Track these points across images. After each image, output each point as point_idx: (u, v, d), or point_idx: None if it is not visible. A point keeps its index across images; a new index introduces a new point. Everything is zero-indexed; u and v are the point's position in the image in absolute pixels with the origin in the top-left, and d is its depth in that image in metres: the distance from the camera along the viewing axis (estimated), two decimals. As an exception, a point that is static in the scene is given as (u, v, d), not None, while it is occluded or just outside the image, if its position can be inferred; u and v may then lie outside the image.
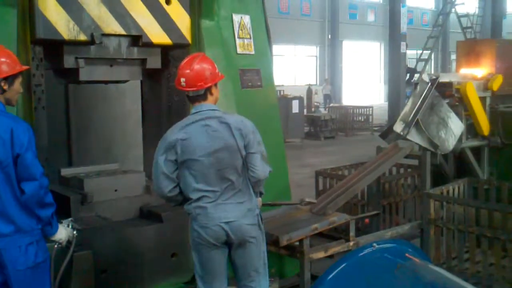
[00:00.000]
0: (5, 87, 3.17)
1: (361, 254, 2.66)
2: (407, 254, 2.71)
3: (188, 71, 3.46)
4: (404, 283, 2.52)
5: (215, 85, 3.55)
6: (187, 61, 3.54)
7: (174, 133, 3.46)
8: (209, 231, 3.43)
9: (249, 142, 3.48)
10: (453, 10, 24.29)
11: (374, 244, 2.67)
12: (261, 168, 3.53)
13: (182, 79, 3.46)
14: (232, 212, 3.44)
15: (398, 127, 5.85)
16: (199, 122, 3.45)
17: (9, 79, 3.18)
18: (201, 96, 3.48)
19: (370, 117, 19.13)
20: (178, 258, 4.36)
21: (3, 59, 3.15)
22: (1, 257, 3.10)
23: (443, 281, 2.65)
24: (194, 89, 3.45)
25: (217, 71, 3.57)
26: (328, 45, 31.02)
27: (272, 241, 4.23)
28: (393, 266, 2.61)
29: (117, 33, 4.36)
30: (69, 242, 3.50)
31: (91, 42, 4.22)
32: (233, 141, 3.45)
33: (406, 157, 6.17)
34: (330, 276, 2.52)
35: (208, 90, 3.50)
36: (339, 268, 2.55)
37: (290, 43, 28.33)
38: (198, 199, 3.45)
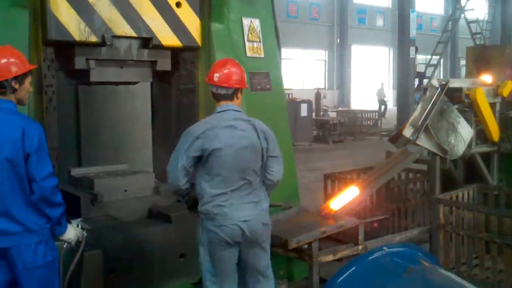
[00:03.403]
0: (16, 86, 3.19)
1: (371, 257, 2.65)
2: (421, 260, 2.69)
3: (224, 68, 3.63)
4: (414, 287, 2.51)
5: (241, 91, 3.72)
6: (224, 61, 3.77)
7: (199, 127, 3.55)
8: (226, 229, 3.49)
9: (272, 146, 3.63)
10: (462, 15, 24.23)
11: (384, 248, 2.66)
12: (279, 173, 3.69)
13: (216, 75, 3.60)
14: (249, 211, 3.54)
15: (408, 132, 5.83)
16: (226, 120, 3.56)
17: (19, 78, 3.20)
18: (229, 96, 3.62)
19: (379, 121, 19.08)
20: (186, 259, 4.37)
21: (12, 59, 3.18)
22: (11, 256, 3.12)
23: (454, 286, 2.64)
24: (226, 85, 3.59)
25: (245, 79, 3.78)
26: (337, 49, 31.00)
27: (281, 244, 4.23)
28: (403, 270, 2.59)
29: (128, 35, 4.40)
30: (78, 241, 3.51)
31: (102, 43, 4.25)
32: (258, 142, 3.57)
33: (415, 162, 6.15)
34: (340, 279, 2.51)
35: (236, 92, 3.65)
36: (348, 272, 2.54)
37: (298, 47, 28.33)
38: (216, 198, 3.50)
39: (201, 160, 3.52)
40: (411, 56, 17.80)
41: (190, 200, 3.72)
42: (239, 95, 3.67)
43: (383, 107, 25.85)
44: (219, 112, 3.61)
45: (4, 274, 3.17)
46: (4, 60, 3.15)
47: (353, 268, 2.56)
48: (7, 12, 3.83)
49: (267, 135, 3.62)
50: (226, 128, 3.52)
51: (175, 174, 3.52)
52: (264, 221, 3.63)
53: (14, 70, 3.17)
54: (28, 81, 3.29)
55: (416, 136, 5.80)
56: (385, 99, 26.87)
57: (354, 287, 2.52)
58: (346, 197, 4.41)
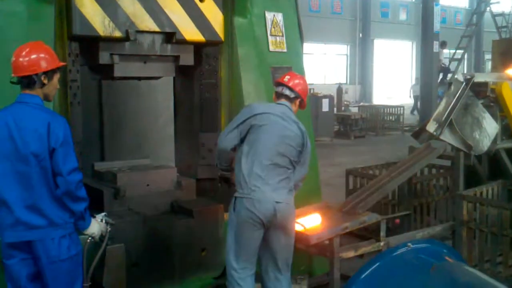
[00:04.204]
0: (45, 81, 3.24)
1: (395, 253, 2.62)
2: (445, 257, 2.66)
3: (296, 77, 4.16)
4: (439, 284, 2.48)
5: (300, 102, 4.15)
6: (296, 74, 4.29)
7: (260, 106, 3.95)
8: (262, 208, 3.69)
9: (307, 144, 3.98)
10: (487, 9, 23.79)
11: (409, 244, 2.64)
12: (307, 168, 4.08)
13: (287, 77, 4.12)
14: (282, 195, 3.78)
15: (431, 127, 5.77)
16: (280, 111, 3.94)
17: (49, 74, 3.25)
18: (290, 99, 4.07)
19: (401, 116, 18.88)
20: (208, 253, 4.39)
21: (42, 55, 3.22)
22: (35, 249, 3.17)
23: (479, 283, 2.60)
24: (291, 85, 4.06)
25: (307, 95, 4.24)
26: (359, 44, 30.72)
27: (302, 239, 4.22)
28: (428, 267, 2.56)
29: (151, 30, 4.41)
30: (102, 236, 3.55)
31: (125, 38, 4.27)
32: (300, 139, 3.92)
33: (439, 157, 6.08)
34: (363, 275, 2.49)
35: (296, 98, 4.10)
36: (372, 268, 2.51)
37: (320, 41, 28.12)
38: (254, 177, 3.73)
39: (245, 138, 3.84)
40: (434, 51, 17.56)
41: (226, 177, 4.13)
42: (297, 103, 4.09)
43: (418, 102, 25.43)
44: (278, 103, 4.04)
45: (29, 267, 3.22)
46: (35, 55, 3.19)
47: (377, 264, 2.54)
48: (34, 7, 3.88)
49: (304, 134, 3.96)
50: (277, 116, 3.88)
51: (228, 135, 3.90)
52: (293, 209, 3.89)
53: (44, 66, 3.21)
54: (56, 77, 3.34)
55: (440, 131, 5.75)
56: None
57: (378, 283, 2.49)
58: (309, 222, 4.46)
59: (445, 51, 19.49)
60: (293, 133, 3.89)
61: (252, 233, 3.74)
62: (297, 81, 4.10)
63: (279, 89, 4.08)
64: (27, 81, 3.19)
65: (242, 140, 3.87)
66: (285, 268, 3.90)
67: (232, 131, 3.87)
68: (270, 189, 3.73)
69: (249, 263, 3.81)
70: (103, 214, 3.63)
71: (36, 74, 3.19)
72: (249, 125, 3.84)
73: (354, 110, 20.45)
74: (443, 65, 19.46)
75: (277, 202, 3.73)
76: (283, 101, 4.05)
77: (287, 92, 4.04)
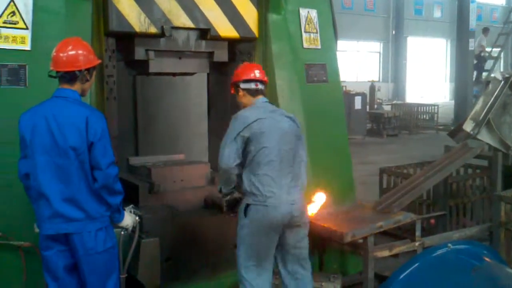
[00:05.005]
0: (88, 77, 3.30)
1: (435, 254, 2.56)
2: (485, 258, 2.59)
3: (256, 67, 4.01)
4: (481, 286, 2.41)
5: None
6: (250, 63, 4.25)
7: (249, 115, 3.72)
8: (278, 214, 3.61)
9: (303, 146, 3.90)
10: (526, 6, 23.21)
11: (449, 245, 2.58)
12: (305, 176, 3.93)
13: (257, 71, 3.91)
14: (295, 194, 3.72)
15: (468, 126, 5.66)
16: (269, 110, 3.82)
17: (90, 71, 3.31)
18: (261, 91, 3.92)
19: (435, 115, 18.57)
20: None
21: (85, 52, 3.28)
22: (73, 241, 3.21)
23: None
24: (264, 79, 3.94)
25: None
26: (392, 41, 30.32)
27: (336, 238, 4.18)
28: (468, 268, 2.50)
29: (186, 26, 4.43)
30: (133, 228, 3.58)
31: (161, 34, 4.30)
32: (298, 129, 3.86)
33: (475, 157, 5.95)
34: (402, 275, 2.44)
35: (264, 86, 3.95)
36: (411, 268, 2.46)
37: (352, 38, 27.84)
38: (268, 183, 3.62)
39: (247, 147, 3.65)
40: (470, 48, 17.21)
41: (233, 199, 3.90)
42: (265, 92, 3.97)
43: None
44: (263, 102, 3.86)
45: (66, 258, 3.27)
46: (79, 51, 3.25)
47: (416, 265, 2.48)
48: (72, 4, 3.93)
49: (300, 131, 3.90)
50: (270, 117, 3.74)
51: (229, 154, 3.65)
52: (305, 204, 3.85)
53: (86, 62, 3.27)
54: (94, 74, 3.40)
55: (477, 130, 5.64)
56: None
57: (417, 284, 2.44)
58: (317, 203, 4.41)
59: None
60: (288, 126, 3.79)
61: (269, 238, 3.67)
62: (260, 69, 3.96)
63: (252, 85, 3.86)
64: (69, 76, 3.24)
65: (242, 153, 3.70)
66: (306, 263, 3.82)
67: (230, 146, 3.64)
68: (284, 192, 3.65)
69: (265, 264, 3.72)
70: (131, 206, 3.67)
71: (80, 70, 3.24)
72: (245, 137, 3.64)
73: (387, 108, 20.19)
74: (483, 54, 18.93)
75: (291, 204, 3.66)
76: (261, 97, 3.89)
77: (262, 86, 3.90)
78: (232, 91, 3.99)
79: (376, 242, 4.43)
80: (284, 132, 3.74)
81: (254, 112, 3.74)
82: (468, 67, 17.33)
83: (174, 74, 5.07)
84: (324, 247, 4.66)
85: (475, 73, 18.51)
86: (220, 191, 3.81)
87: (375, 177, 7.11)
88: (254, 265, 3.68)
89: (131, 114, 5.43)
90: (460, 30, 17.51)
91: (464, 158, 5.70)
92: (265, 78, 3.94)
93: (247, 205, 3.64)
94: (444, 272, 2.51)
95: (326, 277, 4.29)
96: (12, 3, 3.78)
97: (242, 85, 3.87)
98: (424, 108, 18.95)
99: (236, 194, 3.86)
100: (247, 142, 3.64)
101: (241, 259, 3.70)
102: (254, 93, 3.87)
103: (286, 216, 3.63)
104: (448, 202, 6.24)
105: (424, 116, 18.73)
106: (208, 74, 5.34)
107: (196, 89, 5.73)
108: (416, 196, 5.28)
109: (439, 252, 2.57)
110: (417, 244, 4.55)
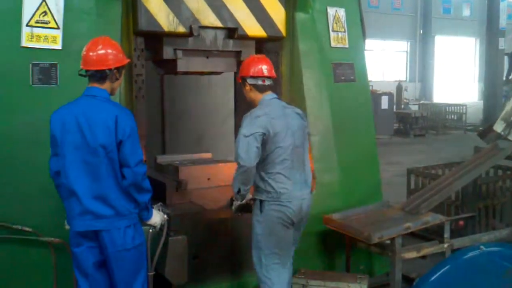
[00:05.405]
0: (117, 75, 3.34)
1: (466, 256, 2.52)
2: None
3: (265, 62, 3.93)
4: (514, 290, 2.37)
5: None
6: (258, 56, 4.11)
7: (264, 112, 3.73)
8: (291, 210, 3.69)
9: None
10: (558, 4, 22.71)
11: (481, 247, 2.53)
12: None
13: (265, 67, 3.87)
14: (305, 189, 3.81)
15: (499, 127, 5.56)
16: (281, 106, 3.86)
17: (120, 69, 3.35)
18: (269, 87, 3.91)
19: (464, 115, 18.30)
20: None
21: (114, 51, 3.31)
22: (102, 238, 3.25)
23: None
24: (272, 76, 3.93)
25: None
26: (420, 40, 29.96)
27: (363, 238, 4.15)
28: (501, 271, 2.45)
29: (214, 25, 4.45)
30: (161, 225, 3.61)
31: (189, 34, 4.32)
32: (301, 120, 3.89)
33: (506, 158, 5.84)
34: (433, 277, 2.41)
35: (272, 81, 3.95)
36: (442, 270, 2.42)
37: (378, 37, 27.61)
38: (281, 181, 3.68)
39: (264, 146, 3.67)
40: (500, 48, 16.91)
41: (244, 204, 3.88)
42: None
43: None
44: (271, 99, 3.86)
45: (96, 255, 3.31)
46: (109, 50, 3.29)
47: (447, 267, 2.44)
48: (102, 3, 3.98)
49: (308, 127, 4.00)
50: (282, 115, 3.77)
51: (250, 153, 3.61)
52: (311, 200, 3.90)
53: (116, 61, 3.30)
54: (123, 73, 3.44)
55: (508, 131, 5.54)
56: None
57: (448, 286, 2.40)
58: None
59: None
60: (299, 123, 3.84)
61: (285, 232, 3.74)
62: (269, 65, 3.91)
63: (260, 81, 3.84)
64: (99, 75, 3.28)
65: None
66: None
67: (251, 145, 3.59)
68: (297, 188, 3.73)
69: (286, 261, 3.79)
70: (159, 204, 3.69)
71: (110, 69, 3.28)
72: (262, 136, 3.64)
73: (414, 108, 19.97)
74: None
75: (303, 199, 3.77)
76: (269, 93, 3.88)
77: (270, 82, 3.89)
78: (239, 81, 3.99)
79: (403, 243, 4.38)
80: (296, 130, 3.79)
81: (267, 112, 3.73)
82: (497, 67, 17.04)
83: (201, 73, 5.09)
84: (351, 247, 4.63)
85: (505, 72, 18.20)
86: (239, 191, 3.76)
87: (400, 178, 7.06)
88: (277, 263, 3.72)
89: (158, 113, 5.47)
90: (490, 29, 17.25)
91: (495, 159, 5.60)
92: (274, 74, 3.93)
93: (261, 201, 3.72)
94: (475, 275, 2.46)
95: (353, 278, 4.26)
96: (44, 3, 3.84)
97: (249, 81, 3.86)
98: (452, 108, 18.71)
99: (248, 197, 3.84)
100: (262, 142, 3.65)
101: (263, 259, 3.73)
102: (261, 89, 3.88)
103: (299, 212, 3.73)
104: (477, 204, 6.14)
105: (452, 116, 18.49)
106: (235, 73, 5.35)
107: (222, 88, 5.75)
108: (444, 197, 5.21)
109: (471, 254, 2.52)
110: (445, 245, 4.49)
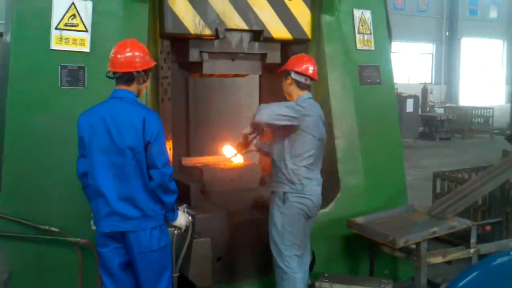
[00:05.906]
0: (144, 78, 3.38)
1: (495, 262, 2.47)
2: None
3: (313, 62, 4.06)
4: (545, 297, 2.32)
5: None
6: (311, 58, 4.17)
7: (304, 106, 3.87)
8: (311, 203, 3.87)
9: None
10: None
11: (511, 253, 2.48)
12: None
13: (311, 68, 4.00)
14: (319, 187, 3.98)
15: (528, 130, 5.45)
16: (317, 107, 4.03)
17: (147, 72, 3.38)
18: (308, 87, 4.04)
19: (490, 119, 18.00)
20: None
21: (141, 54, 3.35)
22: (128, 239, 3.28)
23: None
24: (315, 79, 4.08)
25: None
26: (446, 43, 29.60)
27: (388, 242, 4.11)
28: (531, 278, 2.40)
29: (240, 28, 4.46)
30: (186, 227, 3.63)
31: (215, 36, 4.34)
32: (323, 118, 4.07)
33: (535, 162, 5.72)
34: (461, 283, 2.36)
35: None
36: (470, 276, 2.38)
37: (403, 39, 27.37)
38: (305, 175, 3.84)
39: (292, 136, 3.83)
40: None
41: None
42: None
43: None
44: (309, 98, 3.99)
45: (121, 255, 3.34)
46: (136, 53, 3.33)
47: (476, 273, 2.40)
48: (129, 6, 4.02)
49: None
50: (314, 115, 3.91)
51: (280, 111, 3.76)
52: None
53: (144, 64, 3.34)
54: (150, 75, 3.47)
55: (537, 135, 5.41)
56: None
57: (476, 293, 2.36)
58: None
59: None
60: (323, 124, 4.02)
61: (305, 223, 3.91)
62: (316, 67, 4.05)
63: (303, 79, 3.96)
64: (127, 77, 3.31)
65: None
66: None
67: (284, 115, 3.73)
68: (316, 183, 3.92)
69: (305, 255, 3.99)
70: (184, 205, 3.71)
71: (137, 71, 3.31)
72: (294, 118, 3.77)
73: (440, 111, 19.72)
74: None
75: (319, 195, 3.96)
76: (307, 93, 4.00)
77: (310, 82, 4.03)
78: (280, 73, 4.08)
79: (428, 248, 4.33)
80: (322, 133, 3.98)
81: (305, 107, 3.87)
82: (526, 69, 16.74)
83: (226, 76, 5.11)
84: (375, 251, 4.60)
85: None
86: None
87: (424, 182, 6.98)
88: (297, 254, 3.86)
89: (183, 115, 5.49)
90: (518, 31, 16.93)
91: (523, 163, 5.49)
92: (316, 77, 4.06)
93: (284, 193, 3.83)
94: (504, 281, 2.41)
95: (377, 282, 4.22)
96: (72, 6, 3.90)
97: (294, 75, 3.97)
98: (479, 111, 18.42)
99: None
100: (294, 130, 3.80)
101: (283, 251, 3.84)
102: (302, 86, 3.98)
103: (317, 206, 3.95)
104: (505, 209, 6.03)
105: (479, 120, 18.21)
106: (260, 76, 5.35)
107: (246, 90, 5.75)
108: (471, 202, 5.13)
109: (500, 260, 2.48)
110: (472, 251, 4.43)
